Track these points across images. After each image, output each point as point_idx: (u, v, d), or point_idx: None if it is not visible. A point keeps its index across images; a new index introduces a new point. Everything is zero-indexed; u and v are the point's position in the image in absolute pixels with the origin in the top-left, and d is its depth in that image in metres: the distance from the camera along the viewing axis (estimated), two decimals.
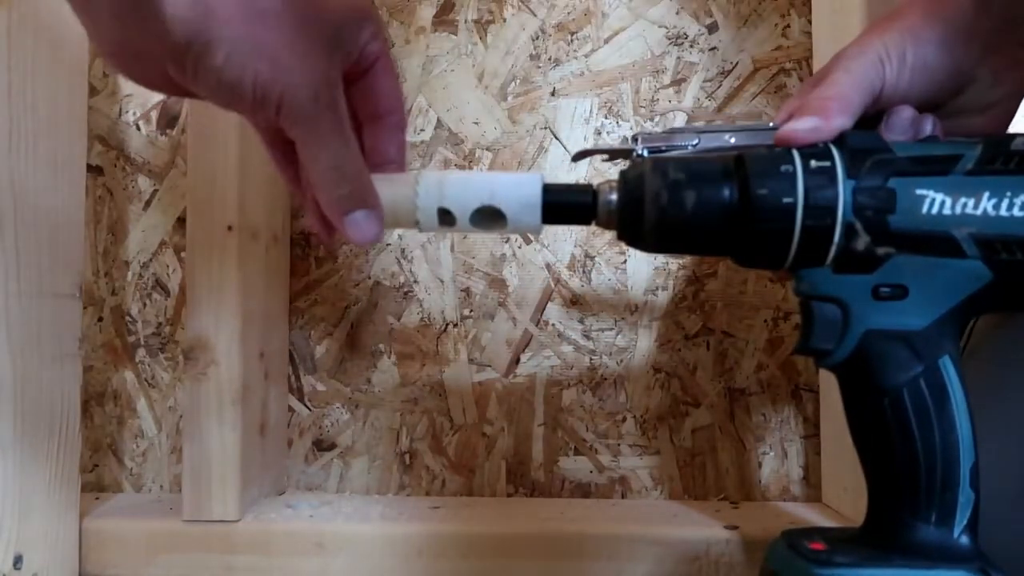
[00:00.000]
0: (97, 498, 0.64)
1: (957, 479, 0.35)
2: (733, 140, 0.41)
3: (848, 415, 0.39)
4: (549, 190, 0.37)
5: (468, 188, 0.37)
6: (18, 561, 0.48)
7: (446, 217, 0.37)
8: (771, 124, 0.39)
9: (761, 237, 0.36)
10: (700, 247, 0.38)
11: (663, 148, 0.41)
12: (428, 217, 0.37)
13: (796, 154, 0.36)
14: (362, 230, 0.36)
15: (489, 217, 0.37)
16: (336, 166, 0.34)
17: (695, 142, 0.41)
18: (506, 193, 0.37)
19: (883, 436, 0.37)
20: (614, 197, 0.38)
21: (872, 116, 0.40)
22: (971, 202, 0.34)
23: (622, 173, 0.38)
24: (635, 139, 0.41)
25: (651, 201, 0.36)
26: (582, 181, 0.65)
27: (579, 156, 0.42)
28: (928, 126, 0.39)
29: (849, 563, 0.36)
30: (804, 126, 0.37)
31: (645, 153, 0.41)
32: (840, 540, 0.39)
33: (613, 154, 0.43)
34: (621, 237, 0.38)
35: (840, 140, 0.37)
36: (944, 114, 0.41)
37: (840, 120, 0.37)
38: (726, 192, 0.36)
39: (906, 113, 0.39)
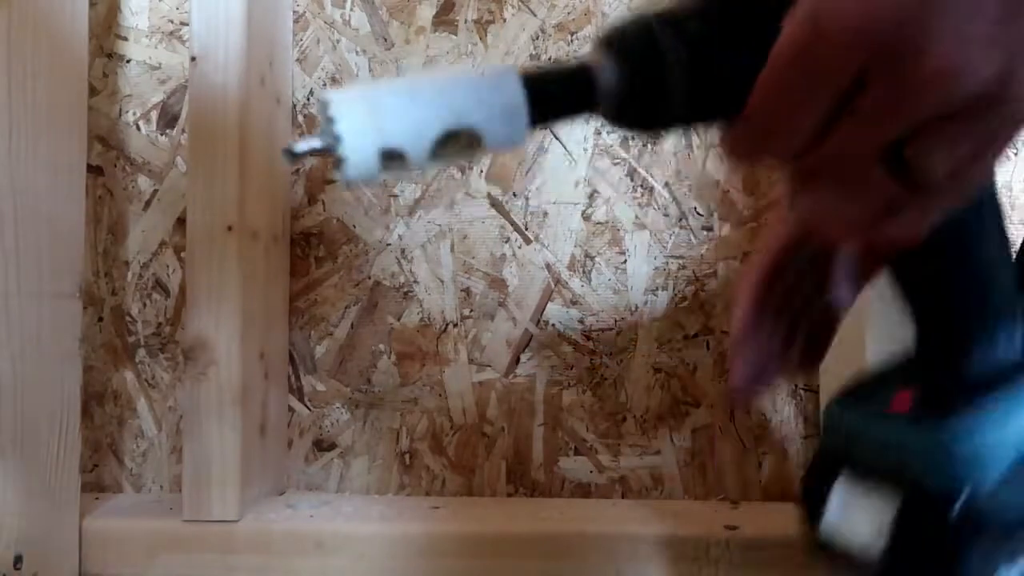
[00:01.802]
0: (97, 498, 0.63)
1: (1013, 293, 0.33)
2: None
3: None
4: (532, 85, 0.26)
5: (418, 113, 0.25)
6: (18, 561, 0.48)
7: (392, 160, 0.24)
8: None
9: None
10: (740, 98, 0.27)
11: None
12: (362, 167, 0.24)
13: None
14: None
15: (457, 145, 0.25)
16: None
17: None
18: (477, 106, 0.25)
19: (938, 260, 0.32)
20: (614, 76, 0.26)
21: None
22: None
23: (609, 40, 0.27)
24: None
25: (674, 63, 0.26)
26: (583, 175, 0.65)
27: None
28: None
29: (970, 411, 0.31)
30: None
31: None
32: (915, 387, 0.34)
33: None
34: (632, 125, 0.29)
35: None
36: None
37: None
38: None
39: None
